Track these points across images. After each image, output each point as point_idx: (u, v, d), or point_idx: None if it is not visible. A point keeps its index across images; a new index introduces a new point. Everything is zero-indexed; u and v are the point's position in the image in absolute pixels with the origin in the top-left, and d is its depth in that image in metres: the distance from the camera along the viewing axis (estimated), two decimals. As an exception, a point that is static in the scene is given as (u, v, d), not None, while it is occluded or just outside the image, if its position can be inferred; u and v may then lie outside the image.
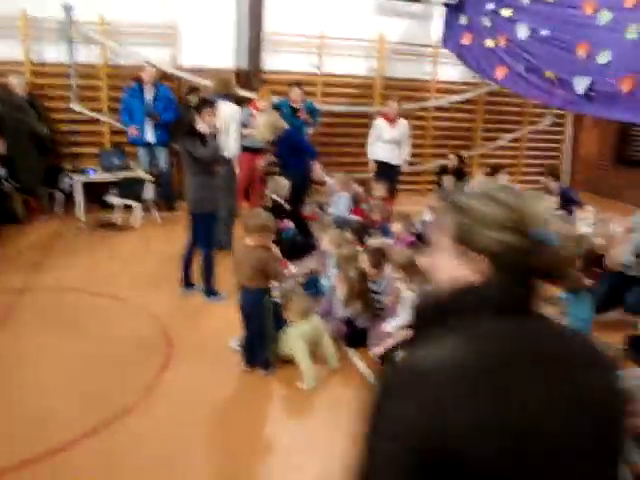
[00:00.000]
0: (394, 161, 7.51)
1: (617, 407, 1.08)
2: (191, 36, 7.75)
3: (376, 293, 4.44)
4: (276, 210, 5.41)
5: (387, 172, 7.41)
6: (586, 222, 6.61)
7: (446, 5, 7.92)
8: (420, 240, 5.67)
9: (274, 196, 6.05)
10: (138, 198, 7.08)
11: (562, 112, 10.03)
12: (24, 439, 3.08)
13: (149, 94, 7.29)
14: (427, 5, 8.39)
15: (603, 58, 5.76)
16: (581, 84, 5.99)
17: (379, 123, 7.45)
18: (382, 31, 8.70)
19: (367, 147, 7.69)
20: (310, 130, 7.91)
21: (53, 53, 7.40)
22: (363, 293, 4.34)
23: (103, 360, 3.95)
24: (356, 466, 1.00)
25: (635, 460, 2.70)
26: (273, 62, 8.38)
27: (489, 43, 7.25)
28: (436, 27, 8.51)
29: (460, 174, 8.28)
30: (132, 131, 7.27)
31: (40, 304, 4.80)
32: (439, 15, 8.30)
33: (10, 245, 6.13)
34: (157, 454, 3.05)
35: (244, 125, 7.15)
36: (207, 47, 7.78)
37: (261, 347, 3.88)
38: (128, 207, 7.08)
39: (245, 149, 6.67)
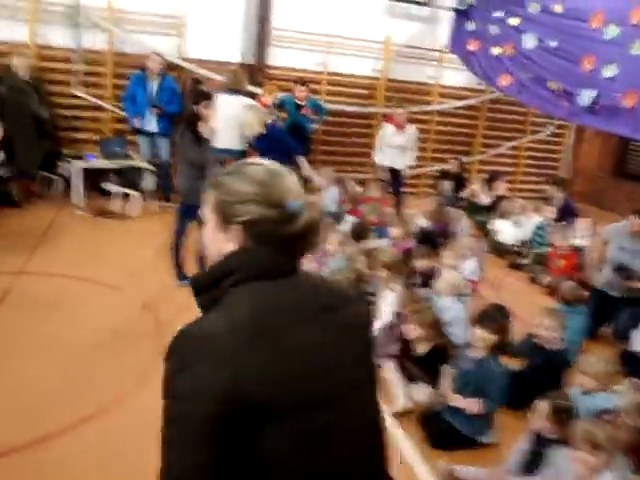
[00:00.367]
0: (399, 166, 7.55)
1: (368, 333, 1.36)
2: (198, 27, 7.72)
3: (371, 295, 4.45)
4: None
5: (392, 177, 7.53)
6: (582, 234, 6.64)
7: (455, 10, 7.93)
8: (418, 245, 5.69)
9: None
10: (137, 187, 7.06)
11: (563, 123, 10.07)
12: (14, 427, 3.07)
13: (154, 84, 7.26)
14: (435, 9, 8.38)
15: (609, 72, 5.79)
16: (586, 96, 6.02)
17: (387, 129, 7.47)
18: (389, 33, 8.70)
19: (374, 152, 7.74)
20: (314, 125, 7.91)
21: (59, 37, 7.34)
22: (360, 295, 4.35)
23: (96, 348, 3.94)
24: (162, 437, 1.11)
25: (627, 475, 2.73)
26: (279, 58, 8.36)
27: (495, 51, 7.27)
28: (443, 32, 8.51)
29: (460, 179, 8.31)
30: (135, 122, 7.23)
31: (33, 289, 4.78)
32: (447, 20, 8.30)
33: (6, 229, 6.10)
34: (150, 444, 3.04)
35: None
36: (213, 39, 7.76)
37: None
38: (126, 195, 7.06)
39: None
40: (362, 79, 8.96)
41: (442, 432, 3.34)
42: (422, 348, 3.78)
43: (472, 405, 3.26)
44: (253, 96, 7.25)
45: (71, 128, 7.69)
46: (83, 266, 5.29)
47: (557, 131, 10.29)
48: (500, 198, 8.08)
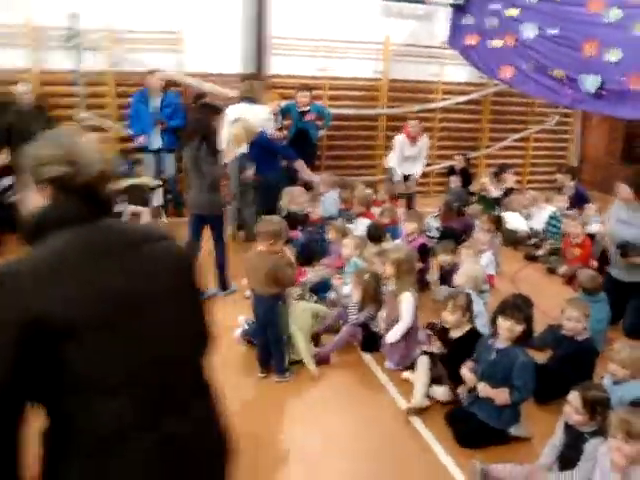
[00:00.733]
0: (410, 172, 7.66)
1: (181, 265, 1.57)
2: (197, 41, 7.74)
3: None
4: (291, 220, 5.39)
5: (404, 180, 7.65)
6: (593, 220, 6.57)
7: (452, 6, 7.90)
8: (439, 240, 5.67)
9: (292, 207, 6.10)
10: (146, 204, 7.07)
11: (569, 111, 9.99)
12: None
13: (156, 100, 7.29)
14: (432, 6, 8.36)
15: (613, 56, 5.72)
16: (591, 82, 5.96)
17: (401, 140, 7.54)
18: (387, 33, 8.68)
19: (386, 158, 7.86)
20: (321, 132, 7.92)
21: (59, 61, 7.39)
22: (377, 296, 4.32)
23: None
24: None
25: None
26: (279, 66, 8.36)
27: (496, 43, 7.22)
28: (441, 28, 8.48)
29: (467, 175, 8.26)
30: (141, 140, 7.25)
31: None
32: (444, 16, 8.28)
33: (14, 255, 6.09)
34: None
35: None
36: (213, 52, 7.78)
37: (276, 354, 3.87)
38: (136, 214, 7.07)
39: None
40: (364, 81, 8.94)
41: (471, 429, 3.30)
42: (457, 333, 3.75)
43: (501, 394, 3.21)
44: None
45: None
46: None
47: (563, 119, 10.22)
48: (510, 190, 8.03)
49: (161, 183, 7.34)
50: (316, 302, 4.80)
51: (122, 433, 1.33)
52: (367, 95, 8.99)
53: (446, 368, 3.71)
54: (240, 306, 4.85)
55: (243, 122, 5.88)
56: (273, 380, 3.88)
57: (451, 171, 8.38)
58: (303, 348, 3.99)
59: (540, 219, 7.25)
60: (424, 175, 9.03)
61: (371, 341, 4.28)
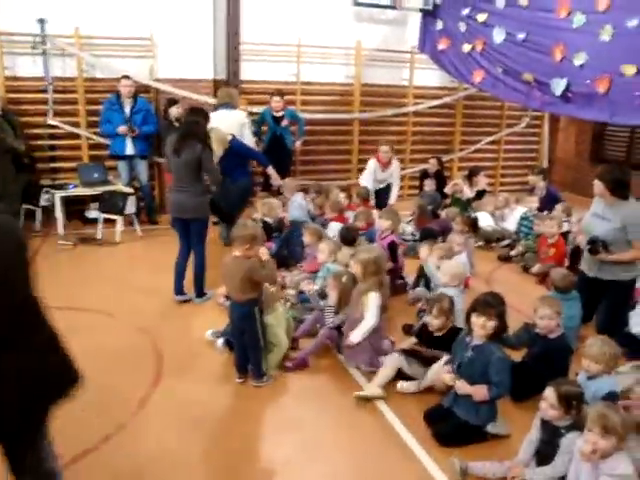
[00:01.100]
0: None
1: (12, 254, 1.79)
2: (168, 48, 7.68)
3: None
4: (265, 231, 5.38)
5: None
6: (563, 220, 6.67)
7: (422, 11, 8.00)
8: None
9: (266, 218, 6.13)
10: (119, 212, 6.99)
11: (539, 114, 10.18)
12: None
13: (127, 107, 7.22)
14: (403, 11, 8.44)
15: (579, 60, 5.86)
16: (558, 86, 6.09)
17: (372, 165, 7.70)
18: (359, 38, 8.75)
19: (359, 179, 8.05)
20: (298, 143, 7.94)
21: (27, 67, 7.28)
22: (354, 299, 4.32)
23: (94, 377, 3.85)
24: None
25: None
26: (251, 72, 8.36)
27: (466, 48, 7.34)
28: (412, 33, 8.58)
29: (441, 178, 8.35)
30: (122, 130, 7.14)
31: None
32: (414, 21, 8.38)
33: None
34: (153, 471, 2.99)
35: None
36: (185, 58, 7.74)
37: (253, 359, 3.85)
38: (110, 221, 6.98)
39: None
40: (336, 86, 8.99)
41: (450, 427, 3.32)
42: (438, 333, 3.92)
43: (479, 390, 3.24)
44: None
45: (48, 158, 7.61)
46: (72, 296, 5.20)
47: (533, 122, 10.40)
48: (482, 192, 8.15)
49: (133, 191, 7.26)
50: (293, 305, 4.82)
51: None
52: (340, 100, 9.04)
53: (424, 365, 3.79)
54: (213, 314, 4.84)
55: (215, 132, 5.88)
56: (251, 385, 3.85)
57: (425, 174, 8.45)
58: (280, 352, 3.99)
59: (512, 220, 7.37)
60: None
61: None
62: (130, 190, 7.22)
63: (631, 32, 5.41)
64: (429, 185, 8.10)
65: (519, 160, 10.57)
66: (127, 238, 6.97)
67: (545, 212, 6.94)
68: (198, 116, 5.11)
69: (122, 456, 3.09)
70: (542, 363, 3.73)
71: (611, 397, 3.12)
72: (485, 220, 7.29)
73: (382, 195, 7.80)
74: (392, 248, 5.53)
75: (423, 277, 5.30)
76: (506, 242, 7.16)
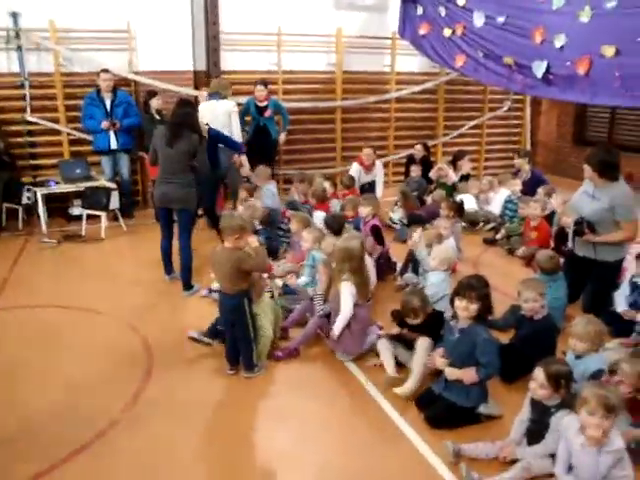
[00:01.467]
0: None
1: None
2: (146, 39, 7.59)
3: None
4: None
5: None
6: (546, 202, 6.71)
7: (401, -4, 7.97)
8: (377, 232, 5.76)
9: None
10: (103, 207, 6.91)
11: (521, 97, 10.22)
12: (13, 458, 2.99)
13: (107, 101, 7.14)
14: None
15: (559, 41, 5.87)
16: (539, 68, 6.10)
17: (355, 169, 7.72)
18: (339, 25, 8.70)
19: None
20: (282, 135, 7.89)
21: (3, 63, 7.15)
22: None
23: (85, 375, 3.85)
24: None
25: (624, 428, 2.77)
26: (232, 61, 8.29)
27: (446, 32, 7.33)
28: (392, 19, 8.55)
29: (427, 163, 8.36)
30: (105, 125, 7.08)
31: (14, 322, 4.66)
32: (395, 7, 8.34)
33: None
34: (148, 467, 2.98)
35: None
36: (163, 50, 7.64)
37: (244, 350, 3.84)
38: (94, 217, 6.91)
39: None
40: (318, 74, 8.95)
41: (440, 410, 3.35)
42: (417, 322, 3.93)
43: (467, 373, 3.26)
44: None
45: (28, 155, 7.50)
46: (59, 294, 5.17)
47: (515, 105, 10.45)
48: (466, 176, 8.18)
49: (116, 186, 7.18)
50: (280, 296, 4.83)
51: None
52: (322, 88, 8.99)
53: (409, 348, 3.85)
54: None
55: None
56: (242, 376, 3.85)
57: (411, 160, 8.45)
58: (266, 343, 4.01)
59: (497, 203, 7.41)
60: (383, 166, 9.12)
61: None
62: (113, 185, 7.15)
63: (610, 13, 5.42)
64: (415, 171, 8.11)
65: (502, 144, 10.62)
66: (112, 234, 6.90)
67: (529, 195, 6.98)
68: (188, 107, 5.15)
69: (117, 452, 3.08)
70: (529, 344, 3.77)
71: (599, 375, 3.17)
72: (469, 202, 7.33)
73: (367, 192, 7.78)
74: (376, 232, 5.59)
75: (412, 262, 5.33)
76: (491, 225, 7.20)
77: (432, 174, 8.06)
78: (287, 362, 4.05)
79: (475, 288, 3.27)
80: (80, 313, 4.79)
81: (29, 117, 7.25)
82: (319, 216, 6.17)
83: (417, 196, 7.59)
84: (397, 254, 5.78)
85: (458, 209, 6.17)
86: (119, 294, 5.17)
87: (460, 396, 3.32)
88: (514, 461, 2.92)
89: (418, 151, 8.39)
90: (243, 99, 7.72)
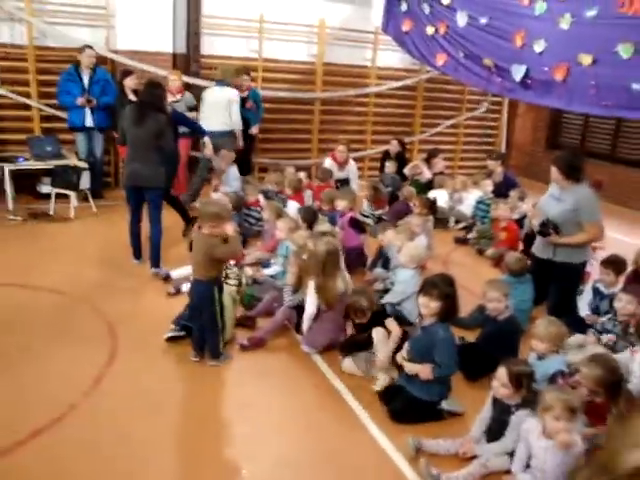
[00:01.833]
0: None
1: None
2: (125, 18, 7.44)
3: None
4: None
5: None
6: (516, 204, 6.81)
7: (386, -9, 7.95)
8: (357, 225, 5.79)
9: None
10: (73, 187, 6.76)
11: (499, 99, 10.33)
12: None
13: (85, 77, 6.98)
14: (367, -9, 8.38)
15: (538, 47, 5.94)
16: (518, 72, 6.17)
17: (328, 164, 7.68)
18: (322, 16, 8.65)
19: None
20: (254, 129, 7.79)
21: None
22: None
23: (46, 357, 3.77)
24: None
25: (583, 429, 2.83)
26: (212, 46, 8.18)
27: (429, 30, 7.34)
28: (376, 13, 8.51)
29: (403, 159, 8.40)
30: (80, 101, 6.92)
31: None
32: (379, 1, 8.31)
33: None
34: (107, 453, 2.94)
35: (190, 109, 7.13)
36: (143, 30, 7.51)
37: (210, 338, 3.81)
38: (63, 196, 6.76)
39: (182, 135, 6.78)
40: (298, 64, 8.89)
41: (403, 404, 3.37)
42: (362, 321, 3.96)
43: (424, 369, 3.29)
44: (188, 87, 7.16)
45: (-3, 129, 7.31)
46: (22, 273, 5.04)
47: (493, 107, 10.55)
48: (440, 174, 8.23)
49: (87, 166, 7.03)
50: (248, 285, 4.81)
51: None
52: (302, 79, 8.94)
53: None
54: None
55: None
56: (207, 365, 3.83)
57: (386, 156, 8.47)
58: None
59: (469, 203, 7.49)
60: (359, 160, 9.16)
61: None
62: (85, 165, 7.00)
63: (589, 22, 5.49)
64: (390, 167, 8.13)
65: (478, 144, 10.73)
66: (81, 214, 6.77)
67: (501, 197, 7.06)
68: (156, 88, 5.19)
69: (74, 438, 3.03)
70: (492, 343, 3.83)
71: (558, 376, 3.24)
72: (442, 199, 7.40)
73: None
74: (355, 223, 5.71)
75: (382, 258, 5.35)
76: (463, 225, 7.28)
77: (407, 171, 8.10)
78: (253, 352, 4.03)
79: (437, 286, 3.29)
80: (43, 293, 4.69)
81: (-1, 90, 7.05)
82: (293, 206, 6.16)
83: (391, 192, 7.61)
84: (371, 249, 5.80)
85: (430, 207, 6.21)
86: (85, 276, 5.08)
87: (421, 391, 3.36)
88: (473, 457, 2.97)
89: (394, 146, 8.40)
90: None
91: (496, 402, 3.04)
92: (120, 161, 7.52)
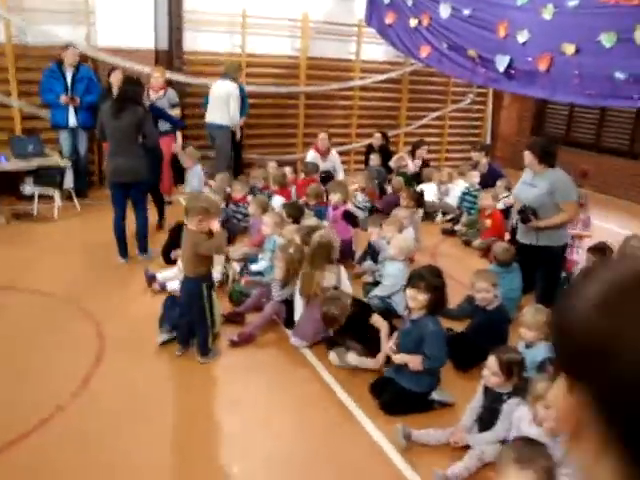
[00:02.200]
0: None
1: None
2: (106, 14, 7.33)
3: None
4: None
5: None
6: (502, 195, 6.84)
7: (369, -16, 7.92)
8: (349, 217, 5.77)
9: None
10: (57, 186, 6.67)
11: (483, 90, 10.35)
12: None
13: (69, 75, 6.89)
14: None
15: (522, 37, 5.95)
16: (502, 62, 6.18)
17: (312, 155, 7.64)
18: (305, 10, 8.60)
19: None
20: (240, 122, 7.70)
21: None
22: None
23: (33, 359, 3.72)
24: None
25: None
26: (195, 42, 8.10)
27: (412, 22, 7.33)
28: (359, 6, 8.50)
29: (386, 152, 8.38)
30: (64, 99, 6.83)
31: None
32: (362, -6, 8.29)
33: None
34: (95, 453, 2.91)
35: (173, 105, 7.06)
36: (125, 26, 7.40)
37: (200, 335, 3.78)
38: (46, 197, 6.67)
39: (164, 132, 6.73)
40: (282, 59, 8.84)
41: (393, 395, 3.37)
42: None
43: (414, 360, 3.29)
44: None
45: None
46: (5, 275, 4.97)
47: (478, 99, 10.56)
48: (425, 165, 8.23)
49: (70, 165, 6.94)
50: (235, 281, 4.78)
51: None
52: (286, 73, 8.89)
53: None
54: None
55: None
56: (196, 361, 3.80)
57: (370, 149, 8.46)
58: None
59: (455, 194, 7.50)
60: (344, 153, 9.14)
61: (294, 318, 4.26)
62: (68, 163, 6.91)
63: (572, 12, 5.52)
64: (374, 160, 8.11)
65: (464, 136, 10.74)
66: (65, 214, 6.68)
67: (487, 187, 7.08)
68: (134, 85, 5.29)
69: (63, 438, 2.99)
70: (482, 333, 3.84)
71: (546, 363, 3.25)
72: (430, 192, 7.41)
73: (325, 181, 7.75)
74: (348, 216, 5.72)
75: (371, 251, 5.35)
76: (450, 216, 7.29)
77: (392, 163, 8.08)
78: (242, 347, 4.01)
79: (425, 278, 3.28)
80: (28, 295, 4.63)
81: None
82: (278, 200, 6.15)
83: (377, 184, 7.60)
84: (361, 242, 5.78)
85: (418, 199, 6.21)
86: (70, 276, 5.01)
87: (411, 382, 3.36)
88: (465, 447, 2.97)
89: (377, 139, 8.38)
90: (211, 81, 7.61)
91: (487, 391, 3.04)
92: (105, 157, 7.42)
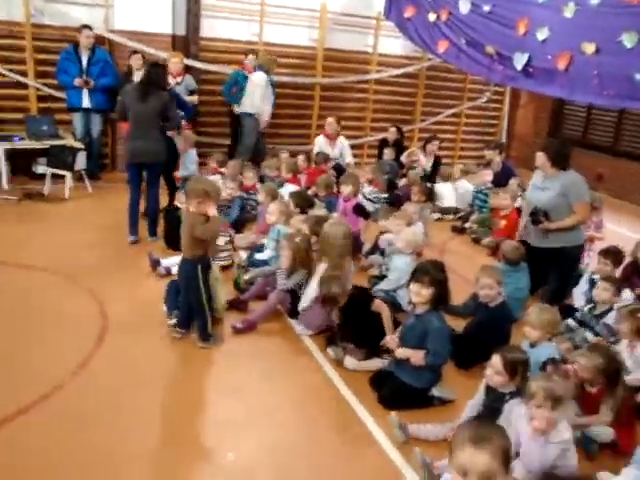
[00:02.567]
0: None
1: None
2: (126, -3, 7.33)
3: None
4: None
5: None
6: (516, 194, 6.76)
7: (389, -24, 7.85)
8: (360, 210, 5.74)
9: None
10: (69, 167, 6.70)
11: (500, 89, 10.24)
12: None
13: (84, 58, 6.91)
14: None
15: (541, 34, 5.86)
16: (520, 60, 6.10)
17: (320, 141, 7.67)
18: (324, 1, 8.54)
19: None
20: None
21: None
22: (308, 261, 4.27)
23: (36, 336, 3.74)
24: None
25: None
26: (212, 29, 8.08)
27: (431, 17, 7.25)
28: (379, -1, 8.43)
29: (400, 147, 8.32)
30: (78, 82, 6.87)
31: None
32: (382, -14, 8.21)
33: None
34: (92, 432, 2.91)
35: (191, 92, 7.07)
36: (143, 10, 7.39)
37: (199, 319, 3.78)
38: (58, 177, 6.70)
39: None
40: (299, 49, 8.79)
41: (393, 389, 3.35)
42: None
43: (416, 354, 3.26)
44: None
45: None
46: (15, 252, 5.00)
47: (494, 97, 10.46)
48: (437, 161, 8.14)
49: (83, 146, 6.96)
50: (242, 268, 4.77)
51: None
52: (302, 63, 8.85)
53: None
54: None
55: None
56: (198, 346, 3.79)
57: (384, 143, 8.40)
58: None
59: (467, 192, 7.44)
60: (358, 147, 9.10)
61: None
62: (81, 145, 6.93)
63: (593, 10, 5.42)
64: (388, 154, 8.06)
65: (479, 134, 10.65)
66: (76, 195, 6.71)
67: (500, 186, 7.01)
68: (159, 68, 5.36)
69: (60, 416, 3.00)
70: (483, 331, 3.80)
71: (550, 363, 3.21)
72: (447, 195, 7.36)
73: (335, 170, 7.71)
74: (360, 209, 5.69)
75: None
76: (460, 214, 7.23)
77: (403, 158, 8.01)
78: (244, 335, 4.00)
79: (429, 273, 3.25)
80: (34, 272, 4.65)
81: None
82: (290, 188, 6.13)
83: (389, 179, 7.55)
84: (371, 235, 5.74)
85: (429, 194, 6.16)
86: (77, 255, 5.02)
87: (411, 377, 3.33)
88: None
89: (392, 134, 8.32)
90: (227, 69, 7.61)
91: (489, 390, 3.00)
92: (118, 145, 7.44)
